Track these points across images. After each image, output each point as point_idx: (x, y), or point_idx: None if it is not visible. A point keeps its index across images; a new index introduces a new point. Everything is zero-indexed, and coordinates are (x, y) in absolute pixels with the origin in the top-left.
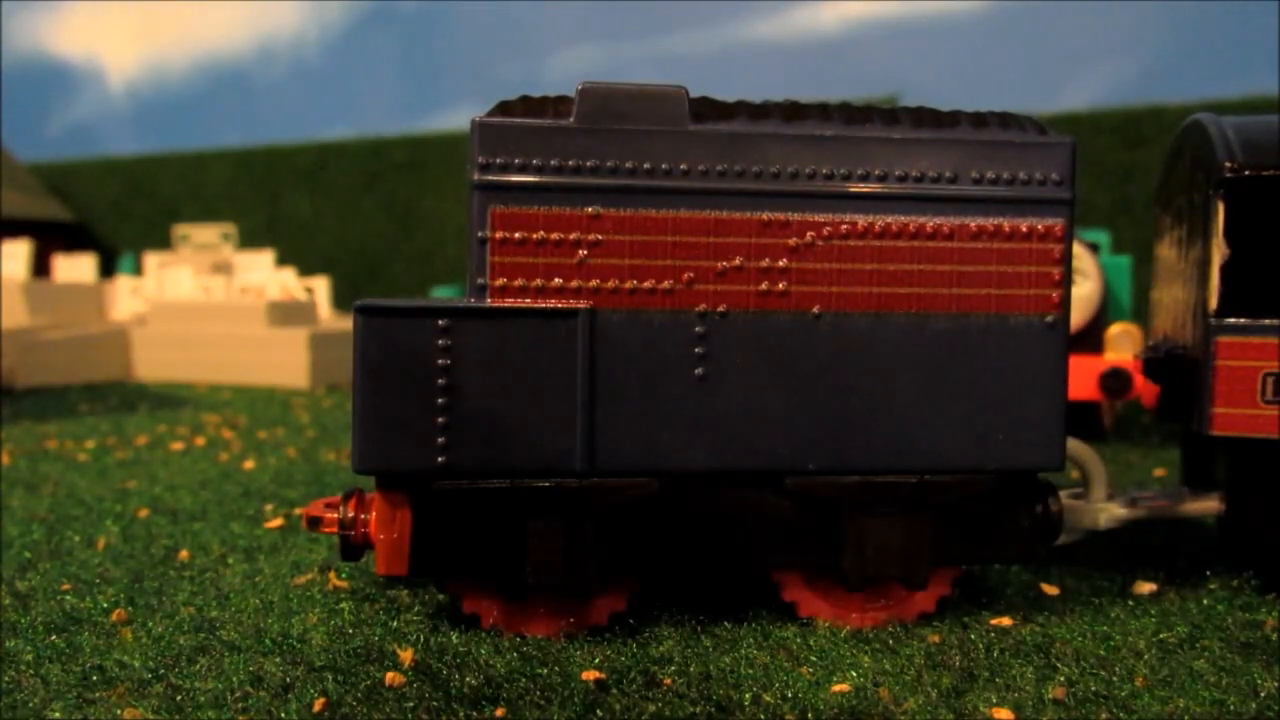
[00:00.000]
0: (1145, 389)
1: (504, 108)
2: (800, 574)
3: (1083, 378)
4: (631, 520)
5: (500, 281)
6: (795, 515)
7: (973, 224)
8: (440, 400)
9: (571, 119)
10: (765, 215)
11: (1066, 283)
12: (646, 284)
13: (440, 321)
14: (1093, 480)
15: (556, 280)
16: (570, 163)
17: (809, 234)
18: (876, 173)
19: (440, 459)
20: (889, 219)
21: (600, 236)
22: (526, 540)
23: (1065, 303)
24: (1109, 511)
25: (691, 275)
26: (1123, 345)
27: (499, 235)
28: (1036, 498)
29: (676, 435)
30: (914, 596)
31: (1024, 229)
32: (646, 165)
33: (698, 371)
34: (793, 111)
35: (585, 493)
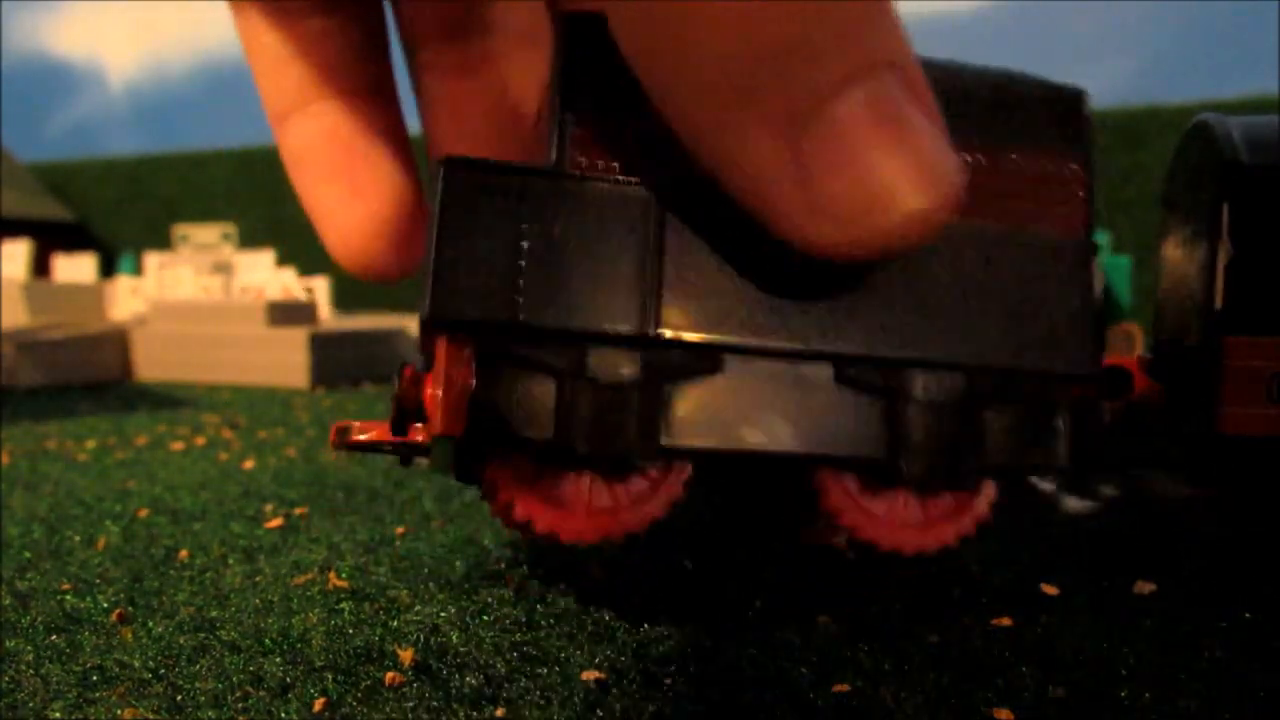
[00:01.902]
0: (1149, 388)
1: None
2: (847, 480)
3: None
4: (689, 393)
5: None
6: (848, 406)
7: (1004, 163)
8: (516, 257)
9: None
10: None
11: (1091, 210)
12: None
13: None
14: None
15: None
16: None
17: None
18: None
19: (515, 315)
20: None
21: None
22: (583, 401)
23: (1091, 227)
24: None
25: None
26: (1123, 345)
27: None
28: (1078, 409)
29: (737, 306)
30: (965, 505)
31: (1051, 168)
32: None
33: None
34: None
35: (651, 359)
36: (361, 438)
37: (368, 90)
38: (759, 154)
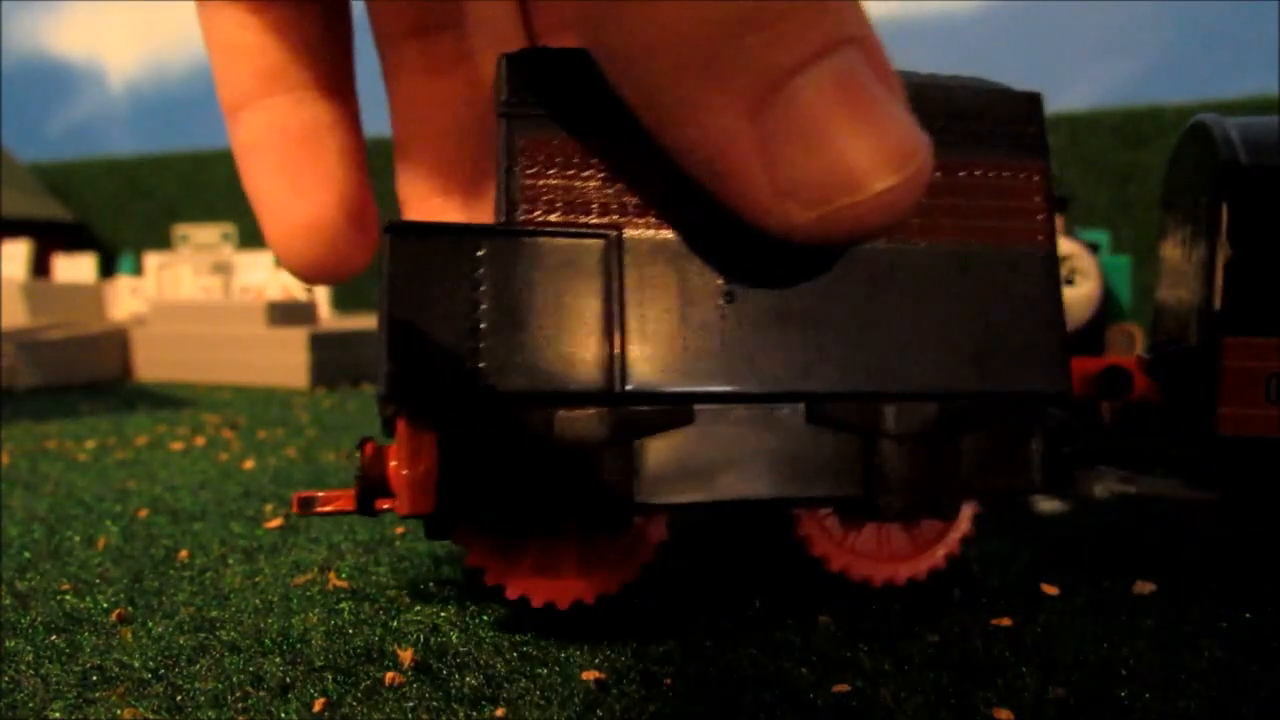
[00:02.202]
0: (1148, 388)
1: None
2: (823, 518)
3: (1081, 377)
4: (661, 447)
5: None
6: (823, 445)
7: (962, 173)
8: (473, 323)
9: None
10: None
11: (1052, 217)
12: (672, 213)
13: (478, 240)
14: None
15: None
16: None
17: None
18: None
19: (476, 384)
20: None
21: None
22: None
23: (1053, 239)
24: (1101, 481)
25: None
26: (1123, 345)
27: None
28: (1048, 428)
29: (704, 361)
30: (928, 547)
31: (1008, 176)
32: None
33: (723, 294)
34: None
35: (620, 416)
36: (327, 509)
37: (323, 87)
38: (722, 132)
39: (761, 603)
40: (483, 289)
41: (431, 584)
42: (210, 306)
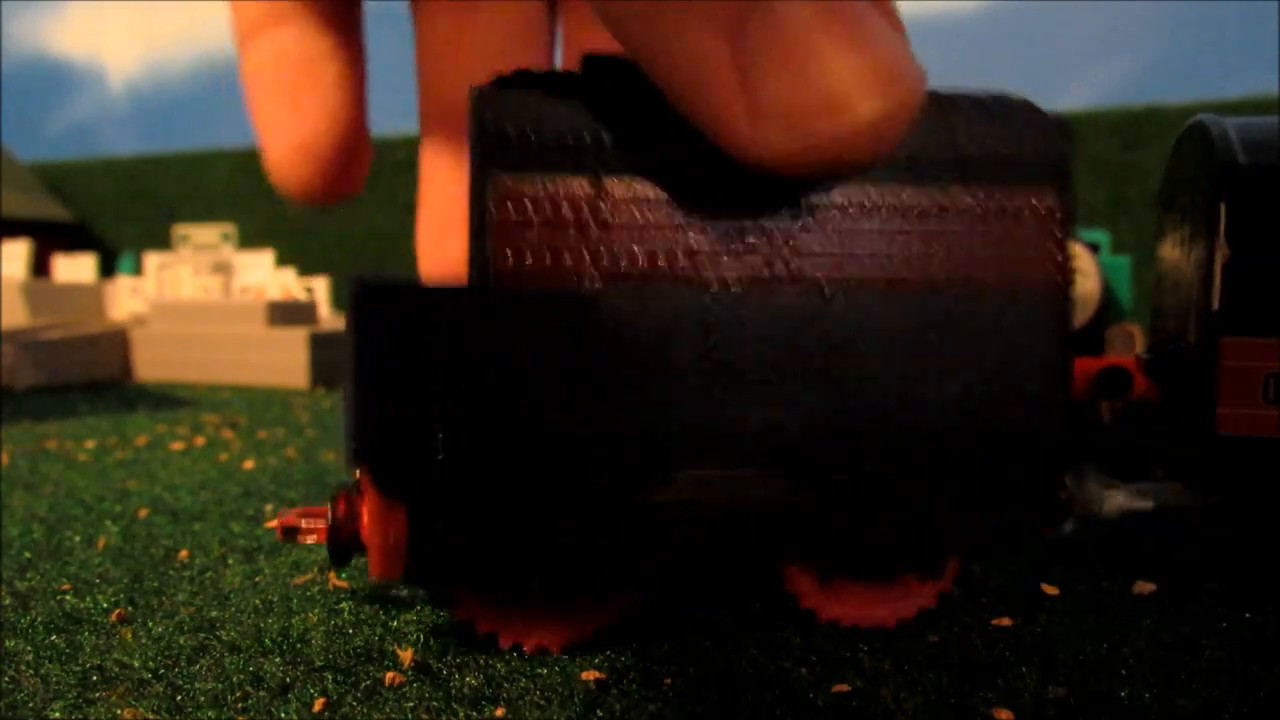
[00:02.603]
0: (1148, 389)
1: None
2: (809, 570)
3: (1081, 377)
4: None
5: (503, 260)
6: (807, 499)
7: (970, 201)
8: (441, 384)
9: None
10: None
11: (1067, 251)
12: (660, 264)
13: (447, 301)
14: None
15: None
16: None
17: (814, 214)
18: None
19: (445, 443)
20: (893, 197)
21: (605, 210)
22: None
23: (1067, 274)
24: (1114, 499)
25: (697, 251)
26: (1123, 345)
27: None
28: (1044, 475)
29: (683, 413)
30: (917, 591)
31: (1020, 206)
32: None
33: (705, 348)
34: None
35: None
36: (309, 540)
37: (326, 21)
38: (698, 53)
39: (761, 603)
40: (455, 352)
41: (428, 593)
42: (210, 306)
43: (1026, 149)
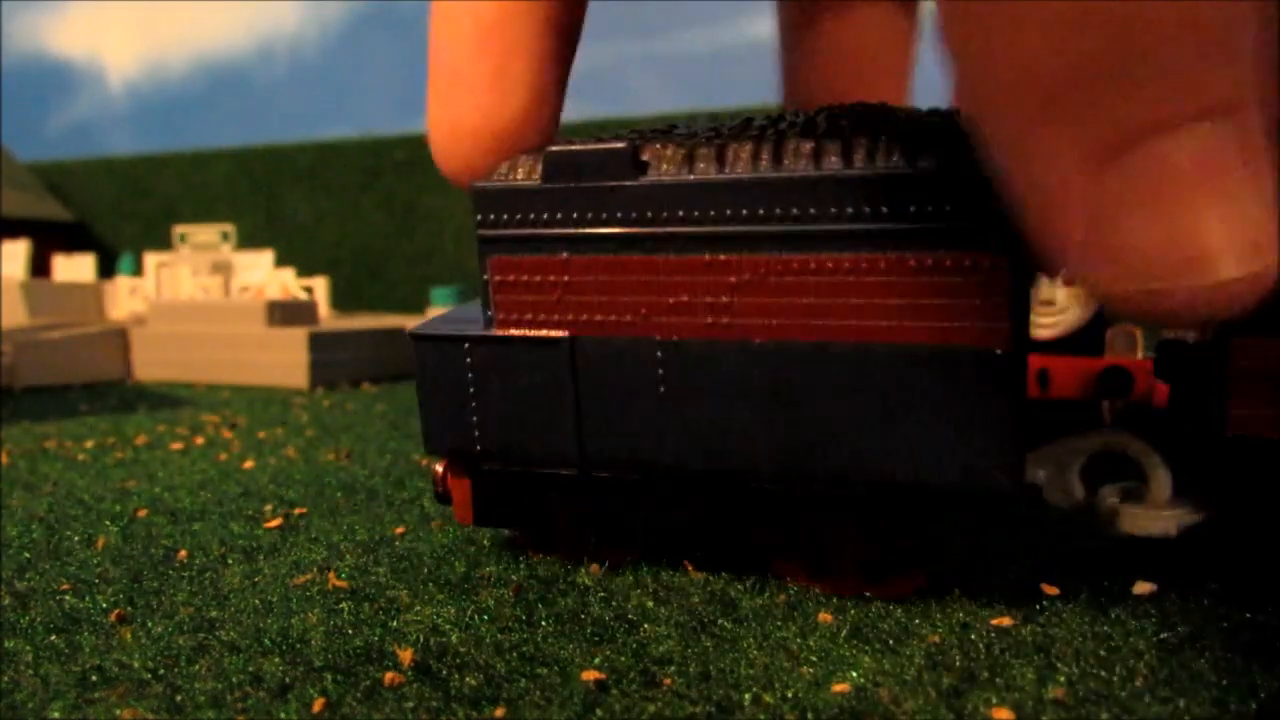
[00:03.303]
0: (1157, 389)
1: (496, 175)
2: (794, 565)
3: (1082, 377)
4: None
5: (502, 315)
6: (753, 513)
7: (908, 258)
8: (471, 403)
9: (539, 180)
10: (707, 256)
11: (1015, 314)
12: (613, 316)
13: (465, 345)
14: (1156, 482)
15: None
16: (544, 217)
17: (747, 273)
18: (799, 212)
19: (476, 445)
20: (823, 256)
21: (570, 278)
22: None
23: (1014, 335)
24: (1179, 516)
25: (646, 310)
26: (1123, 345)
27: (497, 279)
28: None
29: (647, 440)
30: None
31: (961, 262)
32: (604, 215)
33: (661, 389)
34: (721, 151)
35: (581, 482)
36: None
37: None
38: (1054, 177)
39: (761, 602)
40: (474, 379)
41: (431, 584)
42: (210, 306)
43: (966, 210)
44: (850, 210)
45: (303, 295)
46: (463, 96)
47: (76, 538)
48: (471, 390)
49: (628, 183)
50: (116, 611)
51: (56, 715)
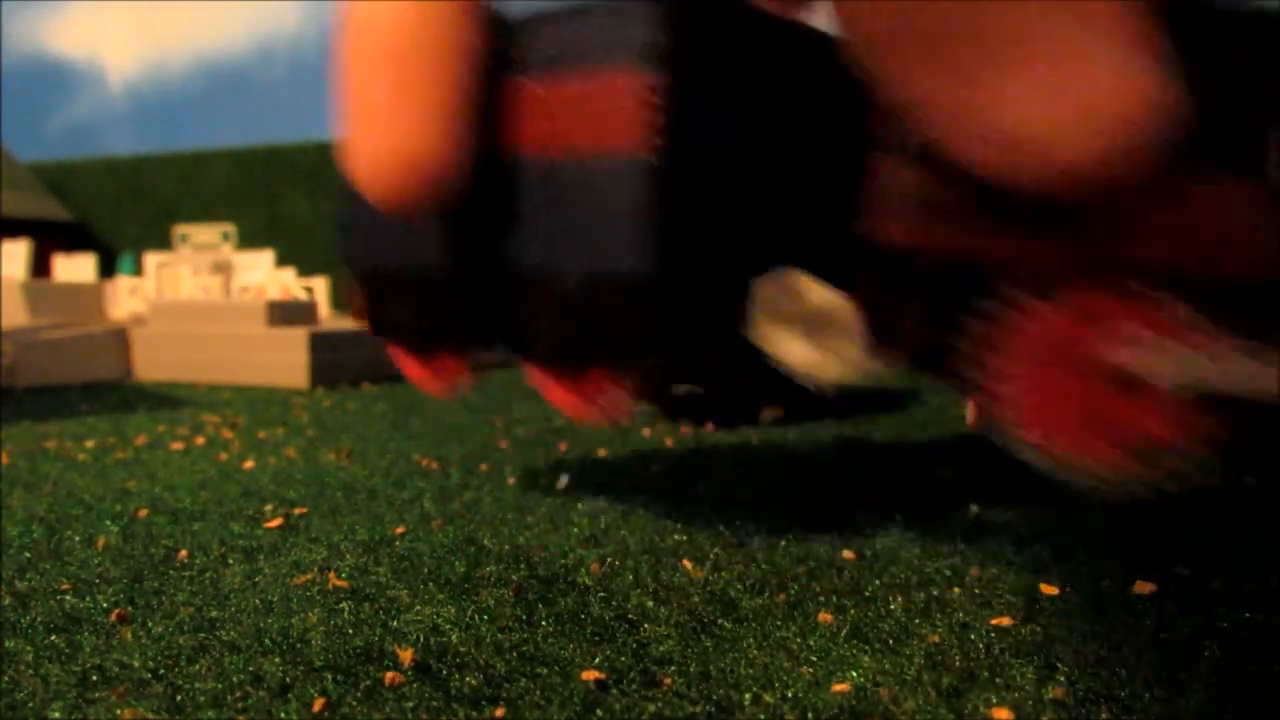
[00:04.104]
0: None
1: None
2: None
3: None
4: None
5: None
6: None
7: (576, 88)
8: None
9: None
10: None
11: (659, 120)
12: None
13: None
14: (840, 325)
15: None
16: None
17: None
18: (530, 47)
19: None
20: (531, 90)
21: None
22: None
23: (657, 137)
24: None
25: None
26: None
27: None
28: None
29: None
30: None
31: (610, 86)
32: None
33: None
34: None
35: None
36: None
37: None
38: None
39: (761, 602)
40: None
41: (431, 584)
42: (210, 306)
43: (618, 40)
44: (545, 53)
45: (303, 295)
46: (381, 125)
47: (77, 538)
48: None
49: None
50: (117, 611)
51: (57, 715)
